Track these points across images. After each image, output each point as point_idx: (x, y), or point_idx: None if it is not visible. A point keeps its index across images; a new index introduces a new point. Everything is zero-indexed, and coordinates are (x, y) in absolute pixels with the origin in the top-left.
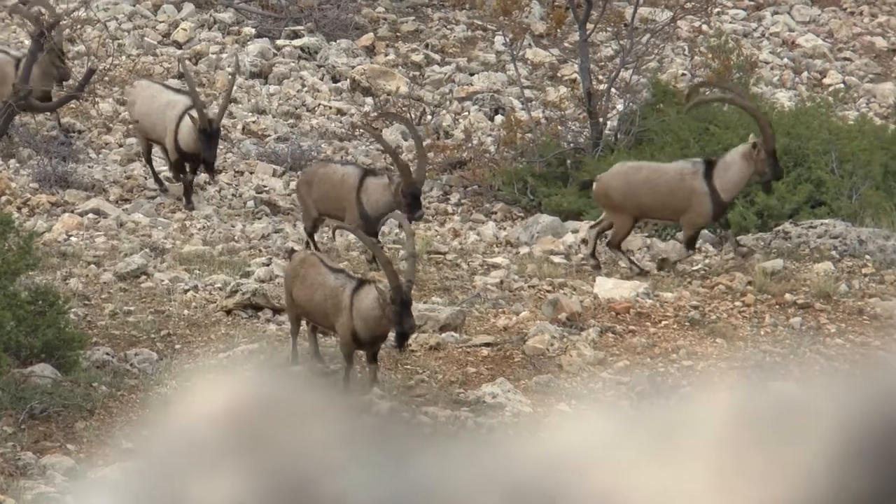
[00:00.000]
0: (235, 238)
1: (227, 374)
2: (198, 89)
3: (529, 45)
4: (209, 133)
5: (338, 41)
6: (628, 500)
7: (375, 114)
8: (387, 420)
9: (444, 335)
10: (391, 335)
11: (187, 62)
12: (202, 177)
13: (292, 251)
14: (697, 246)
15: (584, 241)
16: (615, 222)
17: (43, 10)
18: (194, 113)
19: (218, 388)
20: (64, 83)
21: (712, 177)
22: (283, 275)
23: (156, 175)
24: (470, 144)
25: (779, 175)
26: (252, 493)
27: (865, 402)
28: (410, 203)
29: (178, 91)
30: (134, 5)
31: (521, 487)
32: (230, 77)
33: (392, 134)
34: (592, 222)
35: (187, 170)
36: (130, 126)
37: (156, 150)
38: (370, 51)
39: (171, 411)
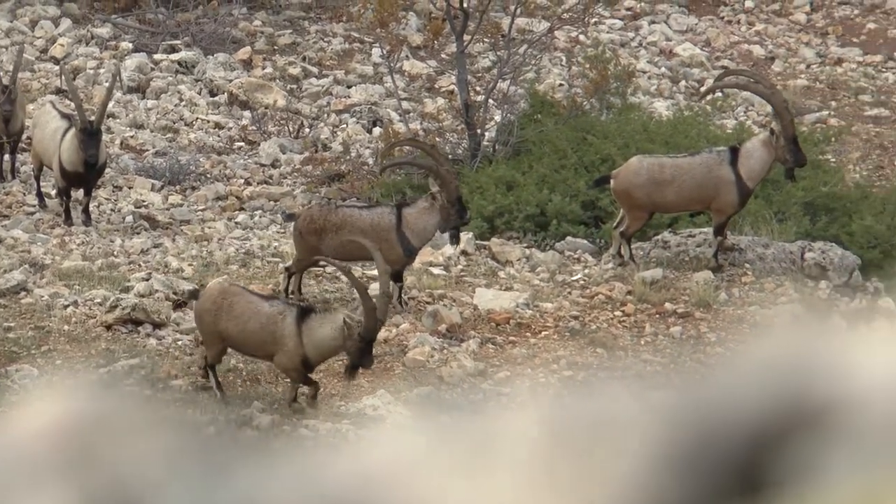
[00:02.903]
0: (115, 253)
1: (57, 390)
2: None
3: (407, 56)
4: (90, 132)
5: (215, 55)
6: None
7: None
8: (212, 434)
9: None
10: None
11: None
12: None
13: (197, 290)
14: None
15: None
16: (631, 217)
17: None
18: (75, 114)
19: (47, 403)
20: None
21: (737, 164)
22: (193, 312)
23: (40, 191)
24: (348, 157)
25: (801, 162)
26: None
27: (679, 411)
28: (459, 210)
29: (63, 116)
30: (11, 21)
31: (333, 500)
32: (111, 77)
33: (270, 147)
34: (616, 224)
35: (71, 196)
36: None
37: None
38: (247, 64)
39: None
